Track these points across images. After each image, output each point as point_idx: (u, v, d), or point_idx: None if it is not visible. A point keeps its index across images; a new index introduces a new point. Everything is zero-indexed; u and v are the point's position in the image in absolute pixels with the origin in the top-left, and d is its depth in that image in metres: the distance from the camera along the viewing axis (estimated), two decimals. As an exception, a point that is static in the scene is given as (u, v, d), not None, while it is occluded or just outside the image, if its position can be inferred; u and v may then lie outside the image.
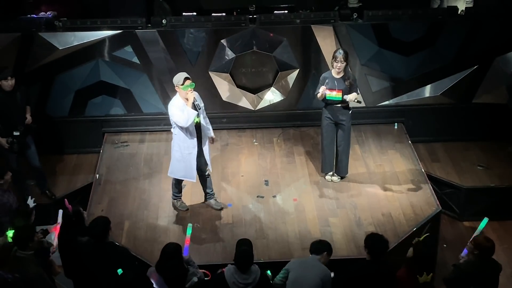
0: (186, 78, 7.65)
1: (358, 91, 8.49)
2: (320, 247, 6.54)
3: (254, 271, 6.23)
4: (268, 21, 9.64)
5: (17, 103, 8.50)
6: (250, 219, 8.29)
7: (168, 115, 8.27)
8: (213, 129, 8.19)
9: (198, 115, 7.79)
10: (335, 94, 8.27)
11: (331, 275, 6.40)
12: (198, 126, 7.87)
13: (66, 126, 9.98)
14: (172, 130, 8.00)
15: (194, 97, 7.68)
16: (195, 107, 7.75)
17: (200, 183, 8.37)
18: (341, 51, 8.23)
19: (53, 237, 7.05)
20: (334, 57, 8.22)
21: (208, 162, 8.16)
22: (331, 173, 8.87)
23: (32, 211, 7.09)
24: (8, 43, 9.42)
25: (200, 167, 8.14)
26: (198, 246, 7.79)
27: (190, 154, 7.91)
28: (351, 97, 8.28)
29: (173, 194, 8.44)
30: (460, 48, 9.75)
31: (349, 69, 8.44)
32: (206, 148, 8.07)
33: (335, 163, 8.82)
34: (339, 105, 8.35)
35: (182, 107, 7.68)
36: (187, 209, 8.40)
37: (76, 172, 9.61)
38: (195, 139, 7.89)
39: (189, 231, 6.99)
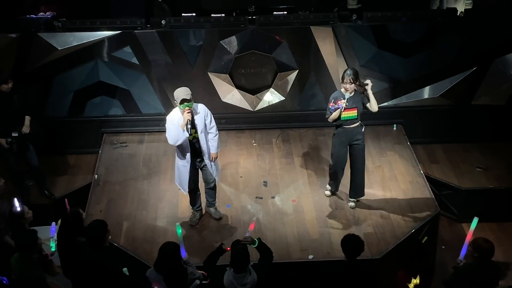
0: (183, 100, 7.32)
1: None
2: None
3: (251, 273, 6.23)
4: (267, 22, 9.64)
5: (15, 104, 8.49)
6: (249, 220, 8.27)
7: (166, 115, 8.14)
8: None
9: (195, 132, 7.59)
10: (350, 113, 7.86)
11: None
12: (196, 140, 7.67)
13: (65, 127, 9.97)
14: None
15: (189, 119, 7.36)
16: (193, 127, 7.56)
17: (204, 191, 8.25)
18: (349, 71, 7.76)
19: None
20: (342, 78, 7.79)
21: (214, 174, 7.97)
22: (330, 190, 8.62)
23: (22, 211, 7.08)
24: (7, 43, 9.41)
25: (205, 179, 8.03)
26: (196, 247, 7.78)
27: (184, 167, 7.77)
28: (370, 90, 7.86)
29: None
30: (459, 50, 9.76)
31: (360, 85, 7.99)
32: (208, 162, 7.84)
33: (350, 186, 8.43)
34: (355, 124, 7.95)
35: (176, 123, 7.46)
36: (194, 225, 8.19)
37: (75, 173, 9.61)
38: (188, 154, 7.68)
39: (178, 231, 6.95)
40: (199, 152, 7.74)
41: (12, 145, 8.46)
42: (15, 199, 7.18)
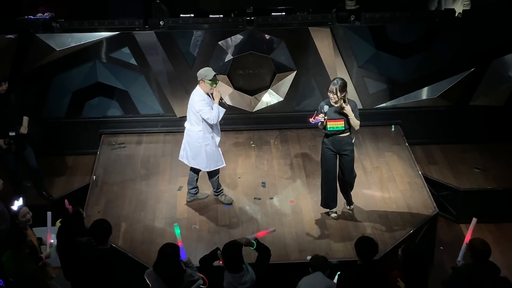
0: (215, 75, 7.82)
1: (358, 118, 7.76)
2: (324, 264, 6.54)
3: (249, 271, 6.23)
4: (265, 23, 9.65)
5: (12, 104, 8.48)
6: (247, 221, 8.29)
7: (165, 116, 8.20)
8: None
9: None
10: (336, 124, 7.69)
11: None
12: None
13: (63, 128, 9.97)
14: (192, 127, 8.02)
15: (220, 95, 7.90)
16: (222, 104, 7.96)
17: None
18: (335, 81, 7.61)
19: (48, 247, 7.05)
20: (328, 87, 7.65)
21: None
22: (335, 209, 8.33)
23: (19, 210, 7.06)
24: (5, 44, 9.41)
25: None
26: (195, 248, 7.78)
27: (215, 143, 8.12)
28: (348, 112, 7.66)
29: (189, 192, 8.53)
30: (457, 51, 9.77)
31: (347, 98, 7.76)
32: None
33: (344, 196, 8.35)
34: (342, 135, 7.78)
35: (208, 101, 7.84)
36: (207, 196, 8.61)
37: (73, 174, 9.60)
38: (219, 128, 8.16)
39: (177, 231, 6.98)
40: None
41: (11, 146, 8.46)
42: (20, 198, 7.18)
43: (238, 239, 6.45)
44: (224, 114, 7.98)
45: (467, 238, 6.62)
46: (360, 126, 7.87)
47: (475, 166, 9.66)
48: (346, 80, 7.79)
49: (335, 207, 8.32)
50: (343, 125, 7.73)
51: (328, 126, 7.73)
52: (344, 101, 7.64)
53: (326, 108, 7.70)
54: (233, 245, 6.29)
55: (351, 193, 8.39)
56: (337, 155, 7.98)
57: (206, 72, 7.83)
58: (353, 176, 8.16)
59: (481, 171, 9.55)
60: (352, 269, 6.42)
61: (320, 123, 7.68)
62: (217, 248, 6.51)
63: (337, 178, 8.14)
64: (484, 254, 6.21)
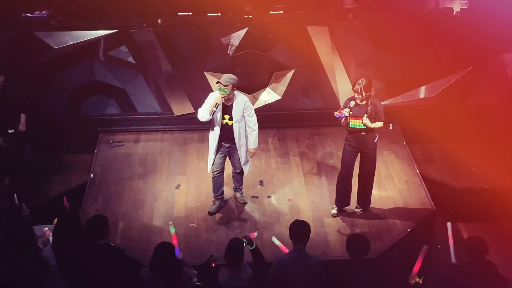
0: (217, 82, 7.76)
1: (383, 118, 7.81)
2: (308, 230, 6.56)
3: (246, 269, 6.24)
4: (263, 21, 9.64)
5: (8, 100, 8.47)
6: (245, 220, 8.29)
7: (163, 114, 8.18)
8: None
9: (230, 119, 7.84)
10: (358, 122, 7.71)
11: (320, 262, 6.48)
12: (228, 127, 7.88)
13: (61, 126, 9.96)
14: None
15: (217, 104, 7.68)
16: (227, 113, 7.84)
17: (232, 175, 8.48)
18: (361, 81, 7.62)
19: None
20: (354, 86, 7.70)
21: (242, 162, 8.11)
22: (335, 208, 8.39)
23: (19, 209, 7.06)
24: (3, 42, 9.40)
25: (233, 163, 8.24)
26: (192, 246, 7.79)
27: (211, 146, 8.03)
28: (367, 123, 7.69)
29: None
30: (455, 50, 9.77)
31: (374, 97, 7.81)
32: (242, 152, 8.02)
33: (357, 194, 8.33)
34: (364, 132, 7.79)
35: (212, 101, 7.74)
36: (210, 214, 8.36)
37: (70, 172, 9.59)
38: (217, 135, 7.93)
39: (172, 230, 7.07)
40: (231, 139, 7.95)
41: (10, 144, 8.45)
42: (15, 195, 7.18)
43: (242, 236, 6.49)
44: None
45: (450, 240, 6.65)
46: (376, 134, 7.90)
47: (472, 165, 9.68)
48: (371, 80, 7.76)
49: (344, 206, 8.34)
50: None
51: (350, 123, 7.76)
52: (367, 101, 7.66)
53: (352, 103, 7.71)
54: (238, 241, 6.33)
55: (366, 199, 8.38)
56: (358, 153, 7.99)
57: (220, 79, 7.77)
58: (373, 174, 8.13)
59: (478, 170, 9.55)
60: (342, 266, 6.44)
61: (344, 118, 7.70)
62: (211, 256, 6.53)
63: (352, 176, 8.14)
64: (481, 252, 6.22)
